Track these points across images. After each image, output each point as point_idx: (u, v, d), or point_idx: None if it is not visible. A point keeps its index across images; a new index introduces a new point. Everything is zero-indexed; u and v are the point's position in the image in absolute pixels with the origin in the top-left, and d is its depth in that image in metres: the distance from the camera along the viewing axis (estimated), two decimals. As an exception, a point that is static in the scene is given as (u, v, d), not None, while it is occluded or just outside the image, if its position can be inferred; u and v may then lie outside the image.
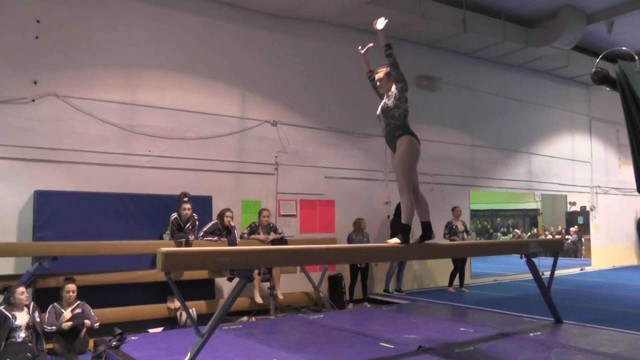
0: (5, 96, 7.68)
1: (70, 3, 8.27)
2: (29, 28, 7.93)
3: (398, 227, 5.67)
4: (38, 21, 7.99)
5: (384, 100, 5.48)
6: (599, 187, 16.13)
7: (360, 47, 5.75)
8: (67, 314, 6.20)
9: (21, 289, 6.01)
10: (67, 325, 6.03)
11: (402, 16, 10.63)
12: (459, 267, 11.13)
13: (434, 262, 11.77)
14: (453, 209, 11.28)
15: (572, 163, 15.45)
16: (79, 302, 6.40)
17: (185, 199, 8.11)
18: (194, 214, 8.16)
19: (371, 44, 5.67)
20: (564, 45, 12.42)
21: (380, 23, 5.33)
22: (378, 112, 5.54)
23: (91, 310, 6.46)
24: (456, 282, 11.18)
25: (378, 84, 5.57)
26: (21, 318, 5.84)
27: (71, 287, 6.38)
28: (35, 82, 7.92)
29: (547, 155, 14.80)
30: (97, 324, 6.41)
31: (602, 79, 6.70)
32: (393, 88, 5.40)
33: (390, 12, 10.32)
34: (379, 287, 10.97)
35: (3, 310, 5.80)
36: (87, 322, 6.23)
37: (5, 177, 7.62)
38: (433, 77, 12.19)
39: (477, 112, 13.27)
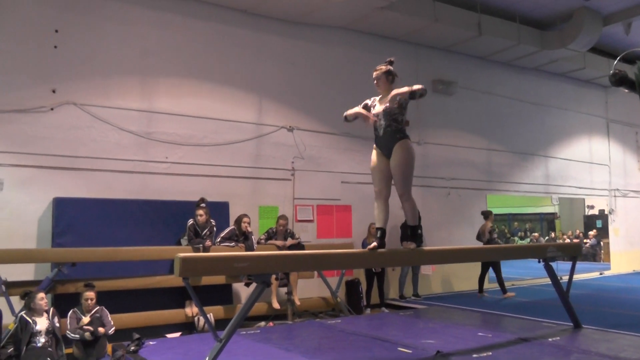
0: (25, 105, 7.78)
1: (88, 13, 8.37)
2: (47, 38, 8.04)
3: (407, 230, 5.64)
4: (56, 31, 8.10)
5: (385, 104, 5.38)
6: (618, 190, 15.97)
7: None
8: (85, 319, 6.25)
9: (41, 294, 6.07)
10: (88, 336, 6.07)
11: (417, 21, 10.63)
12: (493, 271, 10.94)
13: (451, 267, 11.70)
14: (491, 214, 11.12)
15: (589, 166, 15.32)
16: (97, 307, 6.45)
17: (203, 204, 8.17)
18: (212, 220, 8.21)
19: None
20: (580, 47, 12.34)
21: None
22: (377, 112, 5.41)
23: (109, 315, 6.49)
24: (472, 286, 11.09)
25: (375, 81, 5.49)
26: (41, 323, 5.90)
27: (90, 294, 6.42)
28: (53, 91, 8.02)
29: (564, 158, 14.68)
30: (112, 329, 6.42)
31: (620, 80, 6.65)
32: (395, 93, 5.29)
33: (405, 16, 10.34)
34: (396, 292, 10.92)
35: (24, 315, 5.87)
36: (101, 329, 6.24)
37: (25, 185, 7.71)
38: (448, 82, 12.17)
39: (493, 116, 13.21)
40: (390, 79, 5.43)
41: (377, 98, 5.53)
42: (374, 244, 5.34)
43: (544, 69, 14.02)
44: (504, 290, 10.87)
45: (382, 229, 5.44)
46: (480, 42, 11.90)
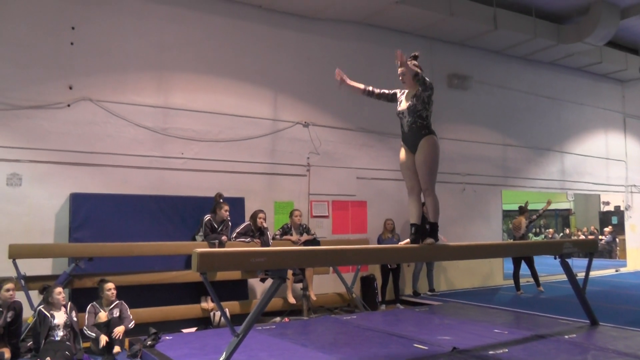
0: (42, 101, 7.85)
1: (104, 10, 8.41)
2: (64, 35, 8.09)
3: (419, 227, 5.63)
4: (73, 28, 8.15)
5: (409, 100, 5.42)
6: (635, 186, 15.80)
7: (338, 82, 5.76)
8: (102, 314, 6.30)
9: (58, 289, 6.12)
10: (102, 344, 6.05)
11: (432, 15, 10.57)
12: (522, 267, 10.89)
13: (467, 263, 11.66)
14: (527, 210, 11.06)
15: (606, 162, 15.17)
16: (117, 301, 6.50)
17: (221, 200, 8.20)
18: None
19: (341, 78, 5.77)
20: (597, 41, 12.19)
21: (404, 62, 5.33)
22: (402, 109, 5.48)
23: (128, 309, 6.54)
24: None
25: (401, 77, 5.50)
26: (59, 317, 5.95)
27: (111, 285, 6.48)
28: (70, 87, 8.07)
29: (580, 154, 14.55)
30: (132, 323, 6.45)
31: None
32: (421, 91, 5.35)
33: (420, 11, 10.29)
34: (411, 288, 10.90)
35: (42, 309, 5.93)
36: (119, 330, 6.20)
37: (42, 180, 7.78)
38: (464, 76, 12.10)
39: (508, 111, 13.14)
40: (417, 78, 5.43)
41: (406, 92, 5.55)
42: (407, 240, 5.49)
43: (560, 63, 13.89)
44: (538, 283, 10.99)
45: (416, 224, 5.49)
46: (496, 36, 11.81)
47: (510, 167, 13.05)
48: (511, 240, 11.48)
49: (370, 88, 5.75)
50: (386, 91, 5.70)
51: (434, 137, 5.42)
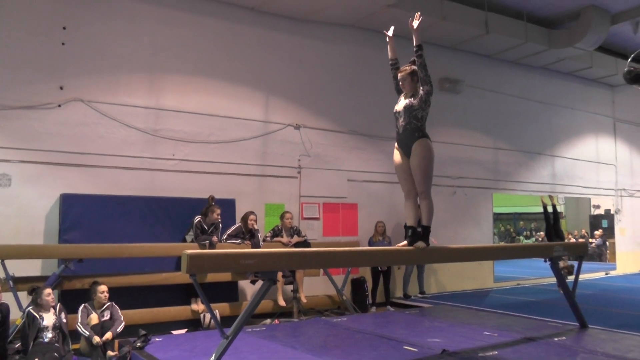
0: (33, 101, 7.81)
1: (96, 10, 8.39)
2: (55, 35, 8.06)
3: (416, 229, 5.63)
4: (64, 28, 8.12)
5: (408, 99, 5.44)
6: (624, 189, 15.91)
7: (386, 31, 5.75)
8: (94, 316, 6.25)
9: (48, 290, 6.08)
10: (96, 341, 6.00)
11: (424, 18, 10.30)
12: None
13: (457, 266, 11.67)
14: None
15: (596, 165, 15.26)
16: (108, 303, 6.46)
17: (213, 203, 8.19)
18: (217, 217, 8.23)
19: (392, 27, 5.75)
20: (587, 46, 12.27)
21: (416, 22, 5.44)
22: (399, 108, 5.49)
23: (119, 311, 6.49)
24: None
25: (401, 83, 5.54)
26: (48, 319, 5.92)
27: (103, 287, 6.43)
28: (61, 88, 8.04)
29: (570, 157, 14.63)
30: (122, 326, 6.35)
31: (635, 77, 6.64)
32: (420, 90, 5.39)
33: (412, 14, 10.28)
34: (401, 290, 10.91)
35: (31, 311, 5.89)
36: (108, 335, 6.11)
37: (33, 181, 7.74)
38: (455, 80, 12.14)
39: (499, 115, 13.19)
40: (415, 79, 5.47)
41: (403, 94, 5.58)
42: (404, 242, 5.48)
43: (551, 67, 13.98)
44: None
45: (413, 227, 5.51)
46: (488, 41, 11.86)
47: (501, 171, 13.10)
48: (502, 243, 11.52)
49: (396, 62, 5.78)
50: (396, 78, 5.65)
51: (427, 141, 5.42)
